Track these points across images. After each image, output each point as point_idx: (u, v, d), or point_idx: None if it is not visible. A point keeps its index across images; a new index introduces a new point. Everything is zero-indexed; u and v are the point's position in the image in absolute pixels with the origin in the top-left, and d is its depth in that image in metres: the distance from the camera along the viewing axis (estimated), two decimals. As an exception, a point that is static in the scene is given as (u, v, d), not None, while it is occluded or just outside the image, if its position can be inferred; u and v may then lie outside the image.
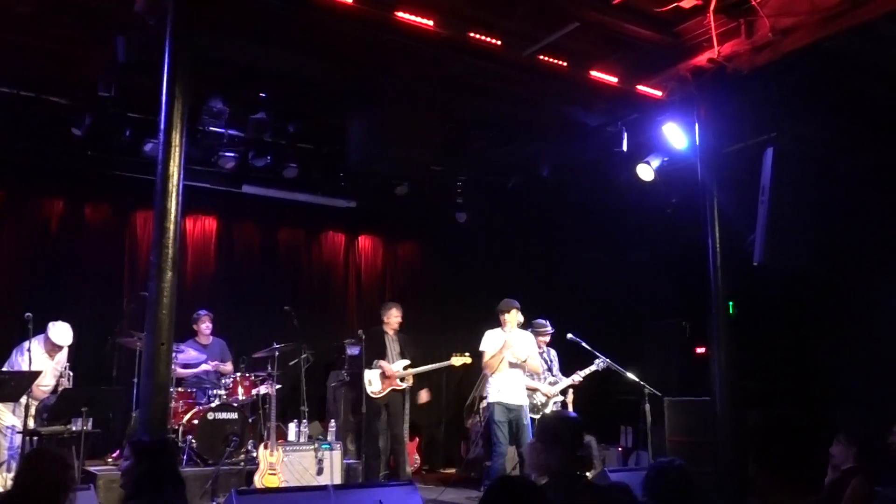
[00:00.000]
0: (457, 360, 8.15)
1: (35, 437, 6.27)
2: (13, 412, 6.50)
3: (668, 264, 9.28)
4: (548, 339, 7.99)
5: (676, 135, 7.22)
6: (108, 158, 8.14)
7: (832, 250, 7.06)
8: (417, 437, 9.30)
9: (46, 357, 6.80)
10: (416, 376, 8.20)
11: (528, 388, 7.66)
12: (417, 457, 9.35)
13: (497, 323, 7.35)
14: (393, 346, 8.20)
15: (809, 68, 6.43)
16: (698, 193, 6.71)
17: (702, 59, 6.50)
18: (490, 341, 7.29)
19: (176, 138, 4.91)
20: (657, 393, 7.40)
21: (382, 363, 8.01)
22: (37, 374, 6.29)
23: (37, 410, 6.39)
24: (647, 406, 7.21)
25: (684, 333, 8.74)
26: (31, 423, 6.25)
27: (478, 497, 7.90)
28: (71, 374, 7.04)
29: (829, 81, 6.75)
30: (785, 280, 7.76)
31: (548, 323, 8.03)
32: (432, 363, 8.35)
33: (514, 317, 7.23)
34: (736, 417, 6.45)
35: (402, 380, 8.05)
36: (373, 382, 7.99)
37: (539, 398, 7.72)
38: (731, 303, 6.63)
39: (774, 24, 5.99)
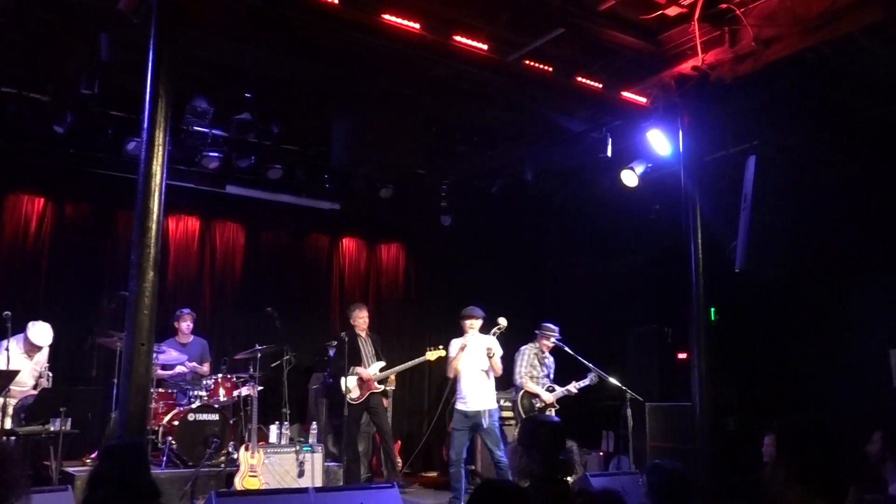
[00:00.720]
0: (431, 355, 8.11)
1: (12, 438, 6.21)
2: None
3: (651, 270, 9.33)
4: (551, 344, 7.92)
5: (660, 141, 7.27)
6: (89, 157, 8.08)
7: (813, 258, 7.14)
8: (399, 440, 9.27)
9: (25, 357, 6.73)
10: (397, 376, 8.21)
11: (529, 393, 7.69)
12: (399, 460, 9.31)
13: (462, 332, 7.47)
14: (367, 348, 8.20)
15: (791, 78, 6.50)
16: (681, 200, 6.76)
17: (686, 66, 6.57)
18: (453, 348, 7.42)
19: (159, 137, 4.88)
20: (638, 398, 7.44)
21: (359, 370, 7.99)
22: (14, 373, 6.23)
23: (14, 410, 6.32)
24: (629, 411, 7.24)
25: (666, 339, 8.79)
26: (8, 424, 6.17)
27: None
28: (50, 374, 6.97)
29: (810, 92, 6.83)
30: (765, 287, 7.84)
31: (556, 329, 7.98)
32: (410, 359, 8.33)
33: (473, 323, 7.36)
34: (715, 423, 6.50)
35: (380, 382, 8.03)
36: (351, 390, 7.95)
37: (538, 403, 7.72)
38: (712, 309, 6.69)
39: (757, 34, 6.05)
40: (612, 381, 7.52)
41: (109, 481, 2.93)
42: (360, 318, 8.21)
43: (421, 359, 8.13)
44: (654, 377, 8.75)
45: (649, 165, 7.79)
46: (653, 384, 8.55)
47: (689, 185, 6.75)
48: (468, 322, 7.37)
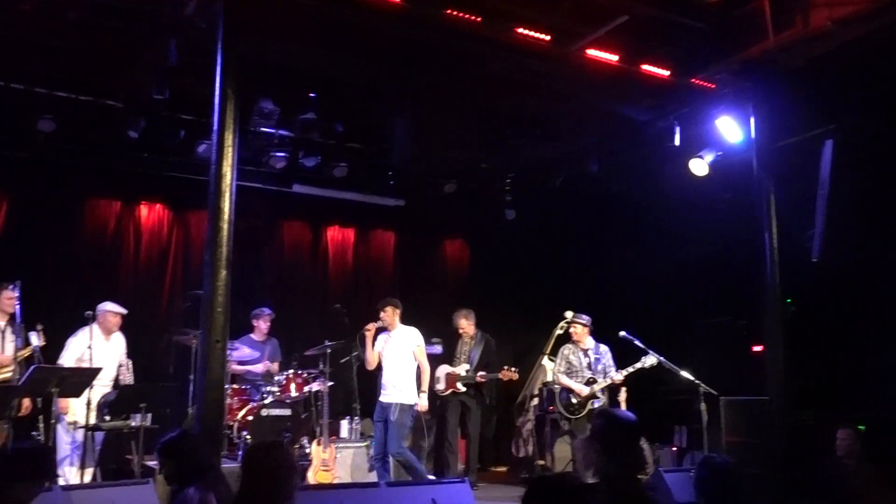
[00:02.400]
0: (505, 375, 8.24)
1: (96, 432, 6.45)
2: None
3: (722, 261, 9.08)
4: (580, 332, 7.74)
5: (730, 128, 7.07)
6: (162, 160, 8.33)
7: (892, 245, 6.84)
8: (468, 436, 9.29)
9: (104, 340, 6.93)
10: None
11: (565, 389, 7.57)
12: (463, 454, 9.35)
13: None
14: (463, 349, 8.40)
15: (868, 59, 6.23)
16: (753, 188, 6.56)
17: (756, 49, 6.35)
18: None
19: (228, 139, 4.99)
20: (713, 392, 7.23)
21: (444, 366, 8.31)
22: (97, 370, 6.46)
23: (98, 406, 6.55)
24: (703, 405, 7.05)
25: (739, 331, 8.55)
26: (92, 418, 6.40)
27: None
28: (130, 362, 7.11)
29: (887, 72, 6.53)
30: (842, 276, 7.54)
31: (583, 317, 7.83)
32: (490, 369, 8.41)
33: (388, 315, 7.34)
34: (790, 417, 6.30)
35: (465, 385, 8.21)
36: (440, 380, 8.26)
37: (574, 398, 7.57)
38: (788, 300, 6.48)
39: (831, 14, 5.81)
40: (684, 374, 7.31)
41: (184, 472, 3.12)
42: (460, 327, 8.45)
43: (494, 375, 8.25)
44: (727, 371, 8.51)
45: (719, 153, 7.58)
46: (726, 378, 8.30)
47: (762, 173, 6.55)
48: (381, 313, 7.36)
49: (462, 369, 8.26)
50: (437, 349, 8.67)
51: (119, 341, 7.11)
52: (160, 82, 6.81)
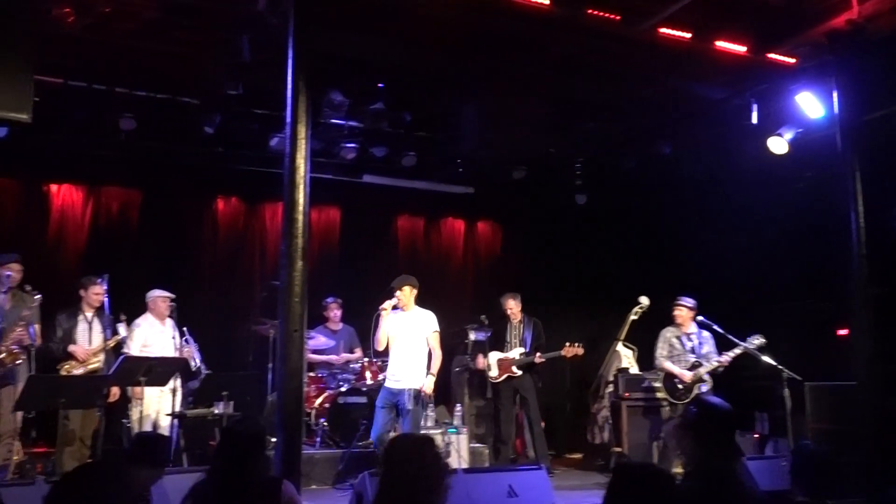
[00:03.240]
0: (568, 352, 8.06)
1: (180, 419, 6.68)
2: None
3: (804, 242, 8.76)
4: (684, 315, 7.53)
5: (811, 104, 6.80)
6: (236, 154, 8.51)
7: None
8: (542, 422, 9.24)
9: (160, 326, 7.07)
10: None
11: (669, 374, 7.42)
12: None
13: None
14: (513, 332, 8.24)
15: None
16: (838, 166, 6.29)
17: (839, 20, 6.08)
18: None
19: (302, 131, 5.05)
20: (797, 377, 6.99)
21: (492, 353, 8.14)
22: (183, 360, 6.69)
23: (182, 395, 6.78)
24: (787, 391, 6.83)
25: (824, 315, 8.25)
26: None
27: (605, 483, 7.80)
28: (194, 344, 7.13)
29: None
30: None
31: (688, 301, 7.58)
32: (552, 346, 8.28)
33: (405, 295, 6.76)
34: (881, 403, 6.05)
35: (519, 367, 8.03)
36: (491, 367, 8.10)
37: (679, 384, 7.40)
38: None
39: (921, -21, 5.52)
40: (766, 359, 7.10)
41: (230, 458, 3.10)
42: (508, 308, 8.30)
43: (556, 353, 8.10)
44: (811, 355, 8.23)
45: (800, 130, 7.30)
46: (810, 363, 8.02)
47: (847, 149, 6.27)
48: (398, 292, 6.75)
49: (516, 353, 8.14)
50: (479, 335, 8.57)
51: (172, 326, 7.15)
52: (234, 78, 6.97)
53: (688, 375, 7.35)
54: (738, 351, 7.21)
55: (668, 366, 7.47)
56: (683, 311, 7.55)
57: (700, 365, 7.33)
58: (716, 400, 3.43)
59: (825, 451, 3.33)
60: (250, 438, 3.16)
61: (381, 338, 6.73)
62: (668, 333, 7.65)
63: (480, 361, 8.22)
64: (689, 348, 7.47)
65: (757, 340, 7.10)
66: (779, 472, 5.26)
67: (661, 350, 7.60)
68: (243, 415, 6.44)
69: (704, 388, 7.32)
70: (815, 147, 7.35)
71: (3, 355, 5.97)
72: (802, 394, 7.28)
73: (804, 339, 8.45)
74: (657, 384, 7.85)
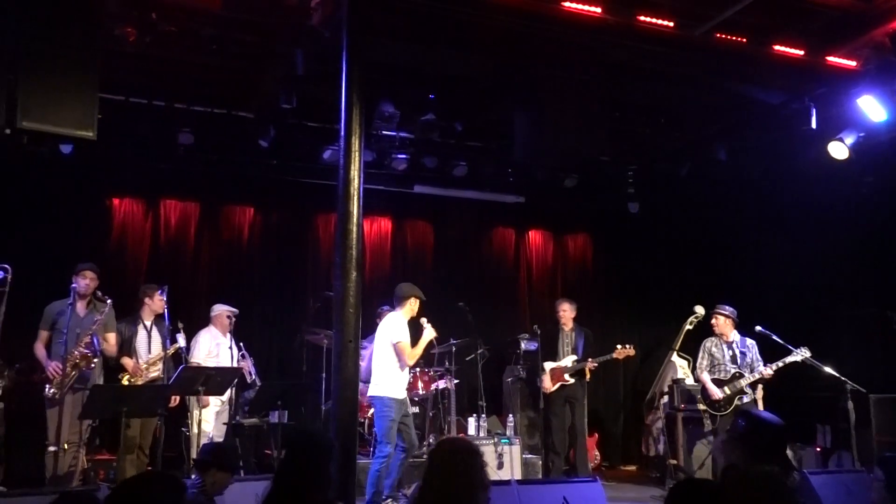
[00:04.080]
0: (619, 353, 7.94)
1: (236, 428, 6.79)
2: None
3: (864, 248, 8.51)
4: (723, 324, 7.35)
5: (873, 107, 6.61)
6: (290, 166, 8.65)
7: None
8: (597, 433, 9.14)
9: (223, 338, 7.27)
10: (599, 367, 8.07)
11: (703, 388, 7.25)
12: (597, 453, 9.20)
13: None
14: (566, 341, 8.12)
15: None
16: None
17: (902, 22, 5.91)
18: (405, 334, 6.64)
19: (355, 143, 5.10)
20: (861, 389, 6.77)
21: (546, 363, 8.00)
22: (238, 370, 6.79)
23: (238, 404, 6.89)
24: (850, 403, 6.62)
25: (889, 323, 7.97)
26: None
27: (661, 496, 7.67)
28: (244, 353, 7.28)
29: None
30: None
31: (726, 308, 7.42)
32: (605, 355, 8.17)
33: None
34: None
35: (572, 375, 7.93)
36: (543, 379, 8.00)
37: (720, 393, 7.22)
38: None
39: None
40: (828, 370, 6.87)
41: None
42: (563, 312, 8.18)
43: (607, 356, 7.97)
44: (876, 365, 7.97)
45: (861, 135, 7.10)
46: (873, 374, 7.78)
47: (912, 153, 6.08)
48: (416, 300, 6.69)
49: (568, 361, 8.00)
50: (531, 345, 8.48)
51: (231, 339, 7.32)
52: (288, 92, 7.07)
53: (717, 394, 7.14)
54: (782, 363, 6.98)
55: (704, 378, 7.29)
56: (721, 319, 7.39)
57: (741, 376, 7.13)
58: (765, 413, 3.34)
59: None
60: (321, 450, 3.13)
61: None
62: (708, 343, 7.48)
63: (546, 383, 7.98)
64: (730, 357, 7.27)
65: (804, 352, 6.88)
66: (861, 489, 5.06)
67: (701, 361, 7.46)
68: (312, 424, 6.49)
69: (746, 399, 7.12)
70: (878, 151, 7.15)
71: (77, 359, 6.14)
72: (867, 406, 7.05)
73: (869, 348, 8.19)
74: (698, 395, 7.67)
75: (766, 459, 3.06)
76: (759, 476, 2.54)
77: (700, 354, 7.49)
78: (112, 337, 6.50)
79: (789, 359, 6.93)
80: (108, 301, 6.34)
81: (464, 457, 2.77)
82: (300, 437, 3.47)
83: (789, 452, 7.82)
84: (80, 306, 6.32)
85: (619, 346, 8.00)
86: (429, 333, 6.64)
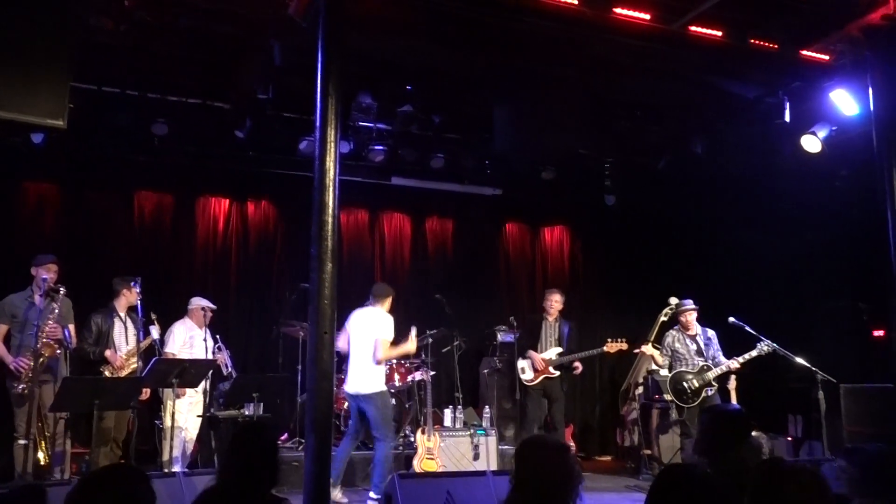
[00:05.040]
0: (611, 347, 7.95)
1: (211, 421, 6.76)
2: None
3: (837, 242, 8.64)
4: (687, 318, 7.47)
5: (846, 101, 6.69)
6: (267, 158, 8.59)
7: None
8: (573, 425, 9.20)
9: (197, 329, 7.20)
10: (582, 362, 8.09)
11: (674, 376, 7.32)
12: (572, 444, 9.25)
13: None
14: (550, 331, 8.10)
15: None
16: (875, 163, 6.16)
17: (875, 16, 5.95)
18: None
19: (331, 135, 5.06)
20: (832, 380, 6.88)
21: (532, 353, 7.94)
22: (213, 362, 6.75)
23: (213, 397, 6.85)
24: (821, 393, 6.72)
25: (860, 315, 8.10)
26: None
27: (635, 486, 7.75)
28: (220, 347, 7.24)
29: None
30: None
31: (686, 302, 7.56)
32: (582, 348, 8.20)
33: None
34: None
35: (556, 368, 7.94)
36: (525, 370, 7.96)
37: (688, 385, 7.29)
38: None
39: (962, -28, 5.40)
40: (799, 360, 6.97)
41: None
42: (554, 303, 8.10)
43: (599, 350, 7.98)
44: (847, 357, 8.10)
45: (834, 128, 7.19)
46: (845, 364, 7.90)
47: (883, 146, 6.13)
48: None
49: (553, 353, 7.94)
50: (507, 337, 8.49)
51: (207, 332, 7.27)
52: (265, 83, 7.02)
53: (661, 361, 7.45)
54: (747, 357, 7.10)
55: (655, 355, 7.51)
56: (690, 315, 7.46)
57: (709, 369, 7.21)
58: (725, 405, 3.43)
59: (886, 449, 3.23)
60: (262, 446, 3.06)
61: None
62: (668, 339, 7.54)
63: (537, 359, 7.93)
64: (695, 350, 7.35)
65: (766, 346, 7.00)
66: (831, 477, 5.13)
67: (662, 358, 7.56)
68: (257, 418, 6.48)
69: (711, 391, 7.21)
70: (851, 145, 7.23)
71: (41, 349, 6.07)
72: (838, 396, 7.16)
73: (841, 339, 8.32)
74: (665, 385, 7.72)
75: (735, 447, 3.11)
76: (798, 472, 2.55)
77: (663, 351, 7.57)
78: (72, 328, 6.43)
79: (753, 353, 7.06)
80: (62, 289, 6.25)
81: (553, 452, 2.81)
82: (243, 430, 3.43)
83: (766, 443, 7.95)
84: (38, 298, 6.24)
85: (609, 340, 8.01)
86: (410, 346, 6.88)
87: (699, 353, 7.35)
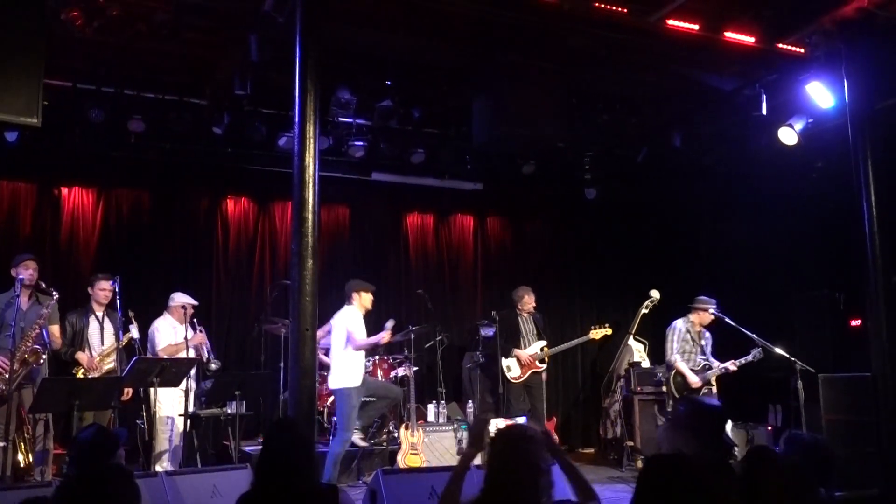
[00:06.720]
0: (596, 333, 7.99)
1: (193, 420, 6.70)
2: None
3: (814, 232, 8.73)
4: (708, 318, 7.43)
5: (821, 94, 6.75)
6: (245, 154, 8.51)
7: None
8: (556, 417, 9.24)
9: (178, 324, 7.11)
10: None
11: (678, 374, 7.37)
12: (555, 436, 9.28)
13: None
14: (528, 327, 8.13)
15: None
16: (850, 155, 6.24)
17: (848, 9, 6.02)
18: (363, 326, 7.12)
19: (310, 130, 5.04)
20: (810, 369, 6.96)
21: (518, 352, 7.97)
22: (195, 360, 6.70)
23: (195, 395, 6.80)
24: (800, 383, 6.80)
25: (837, 305, 8.19)
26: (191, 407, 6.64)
27: (618, 477, 7.80)
28: (210, 350, 7.19)
29: None
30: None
31: (713, 301, 7.51)
32: (565, 341, 8.24)
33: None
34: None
35: (542, 361, 7.98)
36: (512, 368, 7.99)
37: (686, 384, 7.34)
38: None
39: (933, -36, 5.47)
40: (779, 351, 7.08)
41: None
42: (527, 303, 8.14)
43: (585, 338, 8.04)
44: (825, 346, 8.19)
45: (810, 120, 7.26)
46: (823, 354, 8.00)
47: (858, 138, 6.22)
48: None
49: (536, 347, 8.00)
50: (489, 331, 8.52)
51: (187, 328, 7.17)
52: (242, 78, 6.96)
53: (696, 381, 7.28)
54: (743, 361, 7.25)
55: (681, 366, 7.37)
56: (710, 313, 7.44)
57: (710, 368, 7.30)
58: (705, 399, 3.45)
59: (821, 440, 3.29)
60: (299, 443, 3.11)
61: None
62: (683, 327, 7.52)
63: (524, 357, 7.96)
64: (700, 349, 7.43)
65: (758, 354, 7.15)
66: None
67: (676, 344, 7.48)
68: (285, 416, 6.42)
69: (712, 390, 7.30)
70: (827, 137, 7.30)
71: (27, 355, 6.00)
72: (816, 385, 7.25)
73: (819, 329, 8.41)
74: (664, 378, 7.77)
75: (709, 443, 3.14)
76: (791, 467, 2.58)
77: (673, 337, 7.52)
78: (56, 329, 6.37)
79: (749, 357, 7.21)
80: (55, 294, 6.19)
81: (521, 443, 2.84)
82: (276, 427, 3.45)
83: (742, 432, 8.04)
84: (23, 299, 6.15)
85: (594, 327, 8.05)
86: (383, 336, 7.06)
87: (702, 351, 7.46)
